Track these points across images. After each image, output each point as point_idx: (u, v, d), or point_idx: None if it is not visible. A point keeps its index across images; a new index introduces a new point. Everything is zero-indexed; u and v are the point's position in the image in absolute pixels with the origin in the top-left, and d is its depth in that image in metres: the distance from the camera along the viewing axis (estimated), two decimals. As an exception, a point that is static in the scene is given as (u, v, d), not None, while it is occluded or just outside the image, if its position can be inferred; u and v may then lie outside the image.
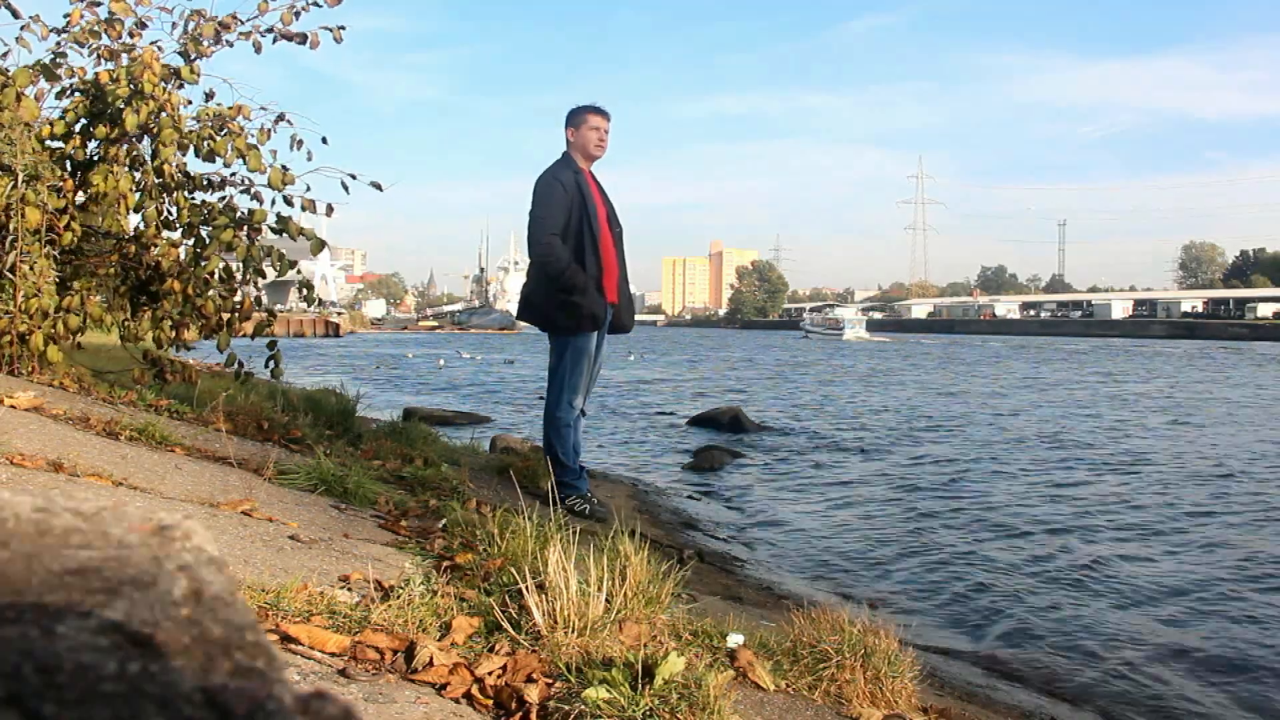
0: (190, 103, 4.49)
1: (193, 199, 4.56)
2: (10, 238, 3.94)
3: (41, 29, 4.24)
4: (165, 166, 4.39)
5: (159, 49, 4.36)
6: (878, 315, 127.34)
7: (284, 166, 4.48)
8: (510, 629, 1.87)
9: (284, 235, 4.71)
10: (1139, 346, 53.49)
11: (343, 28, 4.53)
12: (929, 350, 46.46)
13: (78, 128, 4.37)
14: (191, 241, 4.60)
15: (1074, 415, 13.95)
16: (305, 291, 5.04)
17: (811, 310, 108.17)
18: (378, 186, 4.68)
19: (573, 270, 4.25)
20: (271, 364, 4.79)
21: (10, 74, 4.11)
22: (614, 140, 4.53)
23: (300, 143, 4.53)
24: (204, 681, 0.35)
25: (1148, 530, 6.12)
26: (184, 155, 4.48)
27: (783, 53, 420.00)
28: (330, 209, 4.63)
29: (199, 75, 4.46)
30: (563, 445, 4.40)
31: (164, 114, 4.31)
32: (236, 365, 4.87)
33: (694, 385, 20.16)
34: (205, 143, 4.41)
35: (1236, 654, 3.89)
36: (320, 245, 4.80)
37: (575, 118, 4.49)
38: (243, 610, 0.39)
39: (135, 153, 4.40)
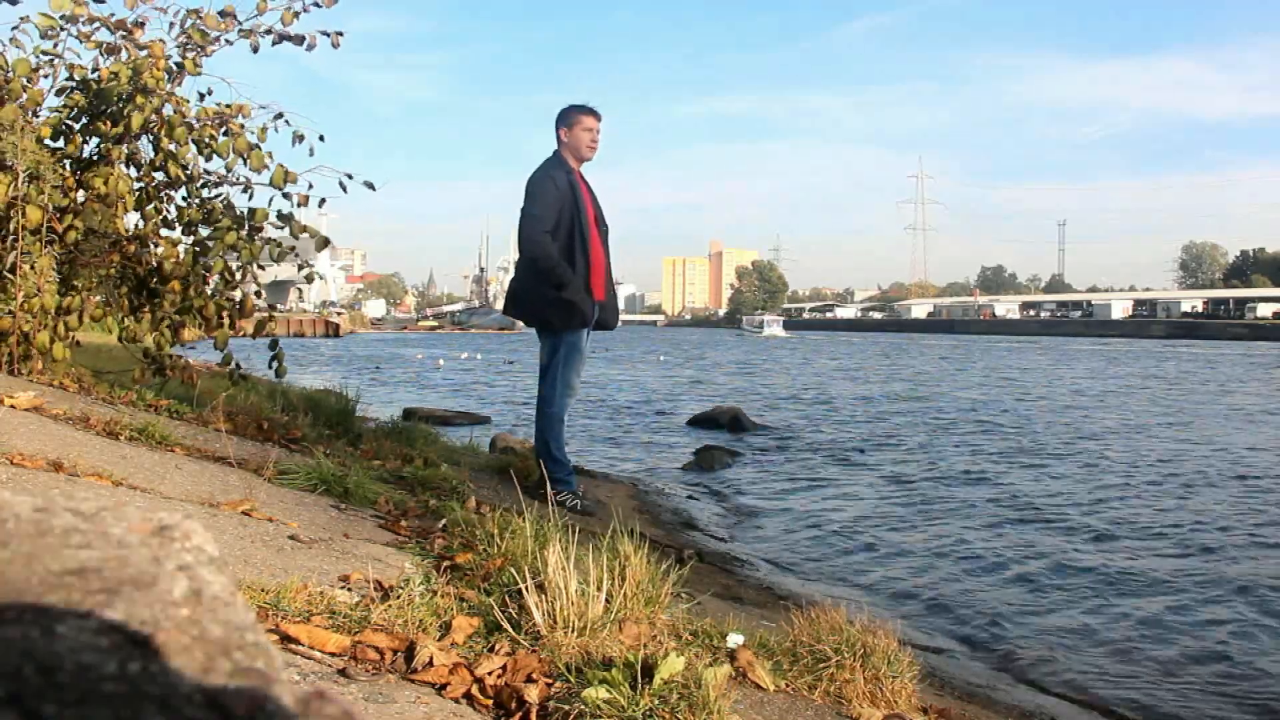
0: (187, 101, 4.50)
1: (192, 198, 4.56)
2: (11, 237, 3.94)
3: (40, 19, 4.22)
4: (170, 164, 4.39)
5: (162, 41, 4.37)
6: (877, 315, 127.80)
7: (285, 170, 4.49)
8: (510, 629, 1.87)
9: (288, 233, 4.71)
10: (1135, 346, 54.19)
11: (340, 33, 4.53)
12: (818, 341, 63.85)
13: (78, 126, 4.37)
14: (190, 240, 4.61)
15: (1085, 408, 13.97)
16: (306, 270, 4.99)
17: (742, 314, 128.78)
18: (370, 186, 4.70)
19: (562, 268, 4.31)
20: (275, 363, 4.81)
21: (10, 63, 4.11)
22: (613, 139, 4.60)
23: (301, 138, 4.54)
24: (204, 682, 0.35)
25: (1149, 528, 6.12)
26: (184, 153, 4.47)
27: (782, 53, 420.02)
28: (322, 202, 4.63)
29: (200, 68, 4.46)
30: (556, 440, 4.49)
31: (172, 111, 4.31)
32: (233, 365, 4.87)
33: (634, 379, 20.19)
34: (207, 141, 4.42)
35: (1242, 655, 3.89)
36: (324, 242, 4.81)
37: (568, 117, 4.52)
38: (243, 610, 0.39)
39: (134, 151, 4.40)
